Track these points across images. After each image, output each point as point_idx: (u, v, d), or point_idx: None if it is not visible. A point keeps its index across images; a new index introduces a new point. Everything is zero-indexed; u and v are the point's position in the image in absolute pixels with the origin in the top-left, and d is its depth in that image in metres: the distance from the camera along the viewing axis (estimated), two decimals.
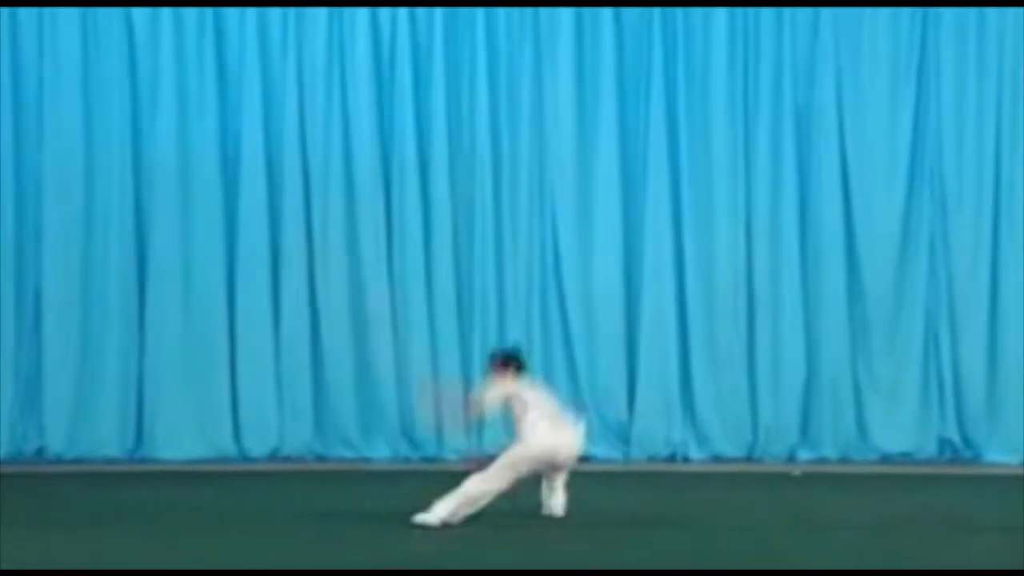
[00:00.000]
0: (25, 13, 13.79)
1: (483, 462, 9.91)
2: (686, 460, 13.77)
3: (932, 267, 13.86)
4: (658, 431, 13.79)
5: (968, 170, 13.85)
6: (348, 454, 13.76)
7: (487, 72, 13.90)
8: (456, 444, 13.11)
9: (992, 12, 13.82)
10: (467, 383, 11.78)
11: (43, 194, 13.77)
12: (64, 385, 13.70)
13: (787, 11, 13.90)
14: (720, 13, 13.89)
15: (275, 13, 13.89)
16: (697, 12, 13.89)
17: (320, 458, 13.73)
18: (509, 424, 10.27)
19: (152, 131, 13.84)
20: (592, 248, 13.93)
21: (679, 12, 13.88)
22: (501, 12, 13.91)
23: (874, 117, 13.87)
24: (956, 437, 13.76)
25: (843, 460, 13.73)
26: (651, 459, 13.75)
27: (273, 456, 13.74)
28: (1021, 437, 13.53)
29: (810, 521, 10.37)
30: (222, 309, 13.80)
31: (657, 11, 13.88)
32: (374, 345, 13.83)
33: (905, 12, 13.87)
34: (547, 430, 9.88)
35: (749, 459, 13.76)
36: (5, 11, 13.76)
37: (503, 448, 9.95)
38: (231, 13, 13.90)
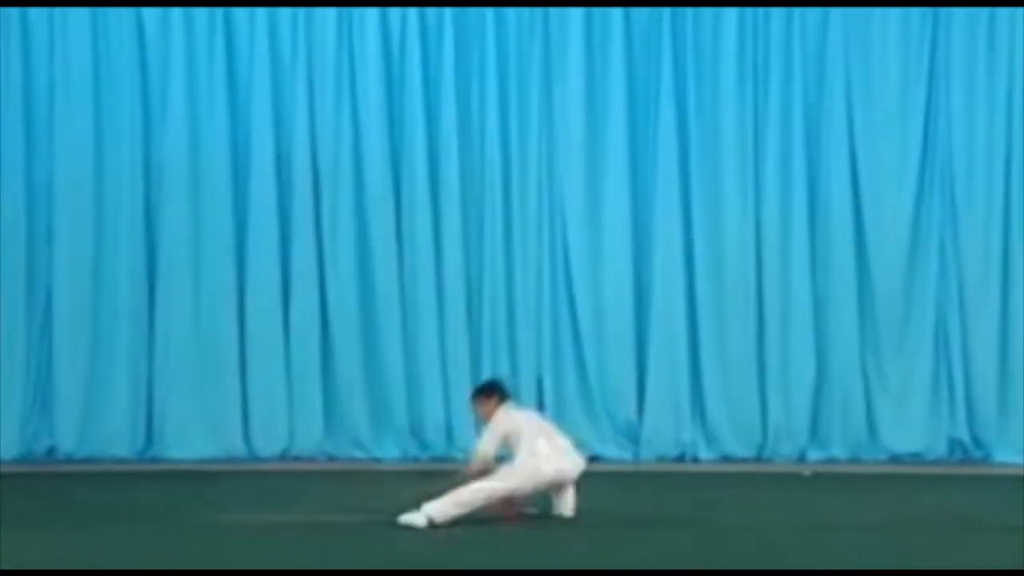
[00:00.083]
0: (35, 14, 13.83)
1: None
2: (696, 460, 13.76)
3: (942, 267, 13.83)
4: (668, 431, 13.78)
5: (978, 170, 13.82)
6: (358, 454, 13.77)
7: (497, 72, 13.90)
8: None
9: (1003, 12, 13.79)
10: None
11: (54, 195, 13.81)
12: (75, 385, 13.73)
13: (797, 11, 13.88)
14: (730, 13, 13.88)
15: (285, 13, 13.92)
16: (707, 12, 13.88)
17: (330, 458, 13.75)
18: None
19: (162, 132, 13.87)
20: (602, 248, 13.92)
21: (689, 12, 13.87)
22: (511, 12, 13.92)
23: (884, 117, 13.85)
24: (966, 437, 13.73)
25: (853, 460, 13.71)
26: (661, 459, 13.75)
27: (283, 456, 13.75)
28: None
29: (820, 521, 10.36)
30: (232, 309, 13.83)
31: (667, 11, 13.87)
32: (384, 346, 13.84)
33: (915, 12, 13.84)
34: (548, 455, 9.89)
35: (759, 459, 13.75)
36: (15, 11, 13.80)
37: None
38: (241, 13, 13.93)
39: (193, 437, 13.69)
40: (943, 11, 13.80)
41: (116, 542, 9.40)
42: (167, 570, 8.34)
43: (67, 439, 13.73)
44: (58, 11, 13.82)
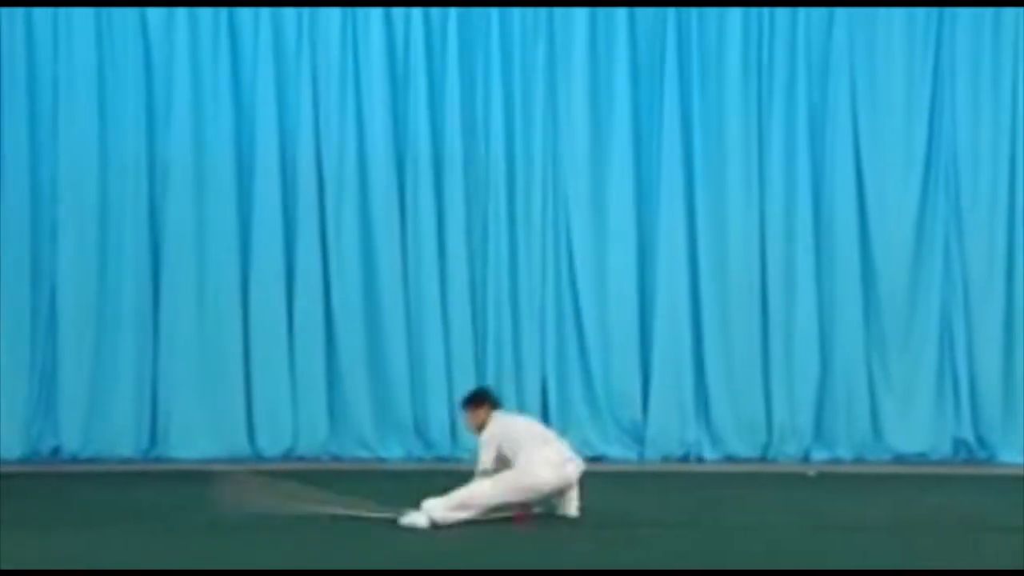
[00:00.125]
0: (40, 13, 13.84)
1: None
2: (700, 460, 13.75)
3: (947, 267, 13.82)
4: (672, 431, 13.78)
5: (983, 170, 13.81)
6: (363, 454, 13.77)
7: (501, 72, 13.90)
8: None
9: (1008, 12, 13.77)
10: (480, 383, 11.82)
11: (58, 194, 13.82)
12: (79, 385, 13.74)
13: (802, 11, 13.87)
14: (735, 13, 13.87)
15: (289, 13, 13.92)
16: (712, 12, 13.87)
17: (335, 458, 13.75)
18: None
19: (166, 131, 13.88)
20: (606, 248, 13.92)
21: (693, 12, 13.86)
22: (515, 12, 13.92)
23: (889, 117, 13.84)
24: (971, 437, 13.72)
25: (857, 460, 13.69)
26: (665, 459, 13.74)
27: (288, 456, 13.76)
28: None
29: (824, 521, 10.35)
30: (236, 309, 13.83)
31: (671, 11, 13.86)
32: (388, 346, 13.84)
33: (920, 12, 13.83)
34: (550, 464, 9.87)
35: (763, 459, 13.74)
36: (20, 11, 13.81)
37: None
38: (245, 13, 13.93)
39: (197, 437, 13.70)
40: (948, 11, 13.79)
41: (120, 542, 9.41)
42: (171, 570, 8.34)
43: (71, 439, 13.74)
44: (62, 10, 13.82)
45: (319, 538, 9.44)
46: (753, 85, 13.88)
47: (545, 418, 13.44)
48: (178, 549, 9.11)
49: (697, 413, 13.80)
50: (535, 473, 9.83)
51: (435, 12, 13.93)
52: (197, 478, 12.67)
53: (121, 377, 13.75)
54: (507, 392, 13.15)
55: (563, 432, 13.41)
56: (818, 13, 13.84)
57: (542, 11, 13.90)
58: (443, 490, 9.91)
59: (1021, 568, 8.30)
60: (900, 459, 13.69)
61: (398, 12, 13.94)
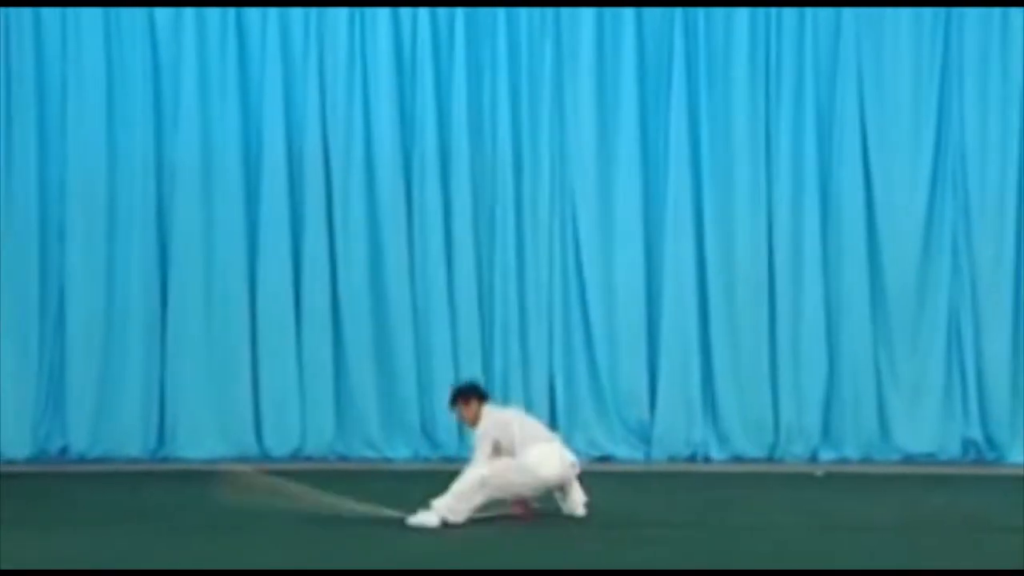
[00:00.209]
0: (48, 13, 13.86)
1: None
2: (707, 460, 13.74)
3: (955, 266, 13.79)
4: (679, 431, 13.76)
5: (991, 169, 13.78)
6: (370, 454, 13.77)
7: (508, 72, 13.89)
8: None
9: (1016, 12, 13.73)
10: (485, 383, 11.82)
11: (66, 194, 13.84)
12: (87, 385, 13.76)
13: (809, 11, 13.84)
14: (742, 13, 13.85)
15: (297, 13, 13.93)
16: (719, 12, 13.85)
17: (342, 458, 13.76)
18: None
19: (174, 131, 13.89)
20: (613, 247, 13.91)
21: (700, 12, 13.84)
22: (522, 12, 13.91)
23: (896, 117, 13.81)
24: (980, 437, 13.69)
25: (865, 460, 13.67)
26: (672, 459, 13.73)
27: (295, 456, 13.77)
28: None
29: (832, 522, 10.34)
30: (244, 308, 13.84)
31: (679, 11, 13.85)
32: (395, 346, 13.85)
33: (928, 12, 13.80)
34: (548, 462, 9.86)
35: (770, 459, 13.72)
36: (28, 11, 13.83)
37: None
38: (253, 13, 13.94)
39: (205, 437, 13.71)
40: (955, 10, 13.76)
41: (128, 541, 9.42)
42: (177, 570, 8.34)
43: (79, 439, 13.76)
44: (71, 11, 13.84)
45: (323, 538, 9.44)
46: (760, 84, 13.86)
47: (552, 417, 13.46)
48: (184, 549, 9.11)
49: (704, 413, 13.78)
50: (535, 471, 9.81)
51: (442, 12, 13.93)
52: (205, 478, 12.69)
53: (129, 377, 13.77)
54: (514, 392, 13.16)
55: (570, 431, 13.52)
56: (825, 13, 13.82)
57: (549, 11, 13.89)
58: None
59: None
60: (908, 459, 13.66)
61: (405, 12, 13.94)
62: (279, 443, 13.79)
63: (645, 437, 13.82)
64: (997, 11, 13.73)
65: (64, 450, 13.82)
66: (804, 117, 13.83)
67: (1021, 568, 8.32)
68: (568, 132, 13.95)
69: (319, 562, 8.62)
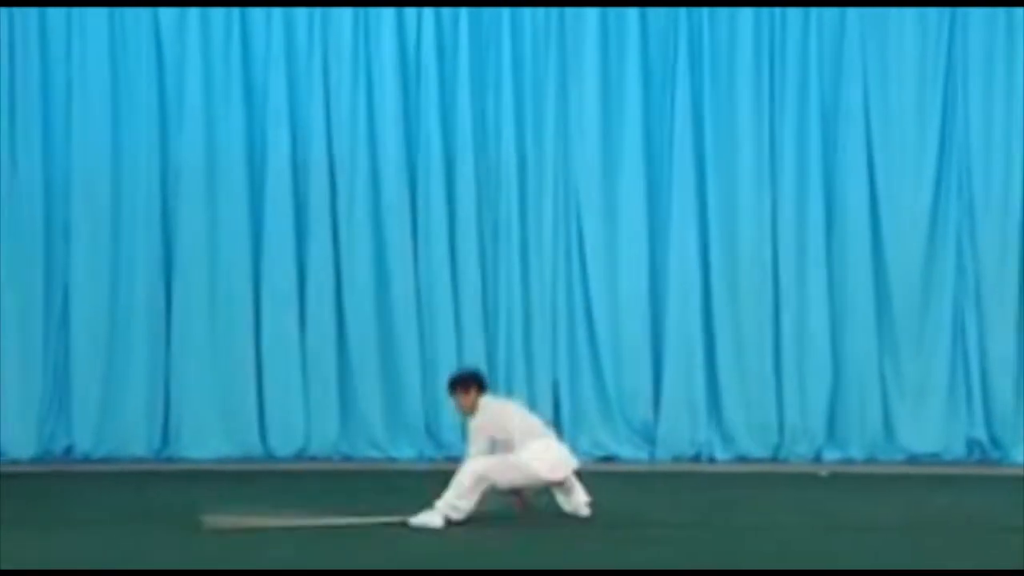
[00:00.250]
0: (53, 14, 13.87)
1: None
2: (712, 460, 13.74)
3: (959, 266, 13.79)
4: (683, 431, 13.76)
5: (996, 169, 13.77)
6: (374, 454, 13.78)
7: (512, 72, 13.89)
8: None
9: (1021, 12, 13.72)
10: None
11: (71, 194, 13.85)
12: (91, 384, 13.77)
13: (814, 11, 13.84)
14: (746, 13, 13.85)
15: (301, 14, 13.93)
16: (723, 12, 13.85)
17: (346, 458, 13.76)
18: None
19: (179, 132, 13.90)
20: (617, 248, 13.91)
21: (705, 12, 13.84)
22: (526, 12, 13.91)
23: (901, 116, 13.81)
24: (984, 437, 13.68)
25: (870, 461, 13.66)
26: (676, 459, 13.73)
27: (299, 456, 13.77)
28: None
29: (836, 522, 10.33)
30: (248, 309, 13.85)
31: (683, 11, 13.85)
32: (400, 346, 13.85)
33: (932, 12, 13.79)
34: (544, 458, 9.84)
35: (775, 459, 13.72)
36: (33, 12, 13.84)
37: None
38: (257, 14, 13.95)
39: (210, 436, 13.72)
40: (960, 10, 13.76)
41: (132, 541, 9.42)
42: (181, 570, 8.34)
43: (84, 438, 13.77)
44: (75, 11, 13.85)
45: (326, 538, 9.44)
46: (765, 85, 13.86)
47: (556, 418, 13.46)
48: (188, 549, 9.11)
49: (709, 413, 13.78)
50: (528, 466, 9.77)
51: (446, 12, 13.93)
52: (209, 478, 12.72)
53: (133, 377, 13.78)
54: (518, 393, 13.12)
55: (574, 432, 13.52)
56: (830, 13, 13.82)
57: (553, 11, 13.89)
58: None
59: None
60: (913, 459, 13.65)
61: (410, 12, 13.94)
62: (283, 443, 13.79)
63: (649, 437, 13.82)
64: (1002, 11, 13.72)
65: (68, 450, 13.83)
66: (808, 117, 13.82)
67: None
68: (572, 134, 13.95)
69: (321, 562, 8.62)
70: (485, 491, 9.80)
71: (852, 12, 13.78)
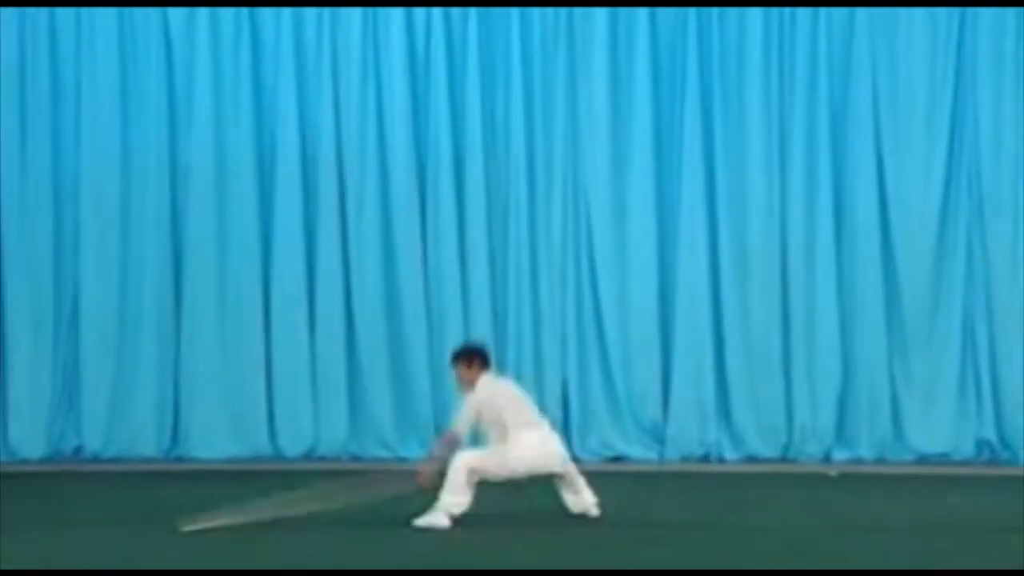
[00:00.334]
0: (62, 14, 13.89)
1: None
2: (721, 460, 13.73)
3: (969, 266, 13.77)
4: (693, 431, 13.76)
5: (1006, 168, 13.75)
6: (383, 454, 13.78)
7: (522, 72, 13.90)
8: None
9: None
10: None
11: (80, 195, 13.88)
12: (101, 384, 13.80)
13: (823, 11, 13.83)
14: (755, 13, 13.84)
15: (310, 13, 13.94)
16: (732, 12, 13.84)
17: (355, 458, 13.76)
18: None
19: (188, 133, 13.92)
20: (627, 247, 13.91)
21: (714, 12, 13.84)
22: (535, 12, 13.91)
23: (910, 116, 13.79)
24: (994, 438, 13.66)
25: (879, 461, 13.65)
26: (685, 459, 13.72)
27: (308, 456, 13.78)
28: None
29: (846, 522, 10.32)
30: (257, 309, 13.87)
31: (692, 11, 13.84)
32: (409, 346, 13.86)
33: (942, 12, 13.77)
34: (533, 448, 9.79)
35: (784, 460, 13.71)
36: (43, 12, 13.87)
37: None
38: (266, 13, 13.96)
39: (219, 436, 13.75)
40: (970, 10, 13.73)
41: (140, 541, 9.42)
42: (186, 570, 8.35)
43: (94, 438, 13.80)
44: (85, 11, 13.88)
45: (330, 539, 9.44)
46: (774, 85, 13.85)
47: (566, 418, 13.48)
48: (194, 549, 9.11)
49: (718, 413, 13.77)
50: (519, 456, 9.71)
51: (455, 12, 13.93)
52: (218, 478, 12.73)
53: (143, 377, 13.80)
54: (527, 391, 13.14)
55: (583, 432, 13.52)
56: (839, 13, 13.80)
57: (562, 11, 13.89)
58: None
59: None
60: (922, 460, 13.64)
61: (419, 12, 13.95)
62: (292, 443, 13.81)
63: (659, 437, 13.81)
64: (1012, 11, 13.70)
65: (78, 450, 13.86)
66: (818, 117, 13.81)
67: None
68: (582, 134, 13.95)
69: (325, 562, 8.62)
70: (477, 484, 9.78)
71: (861, 12, 13.76)
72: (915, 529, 9.96)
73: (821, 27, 13.83)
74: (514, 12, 13.88)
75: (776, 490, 12.15)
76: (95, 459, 13.71)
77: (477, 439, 10.29)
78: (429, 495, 9.78)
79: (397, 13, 13.92)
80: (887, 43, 13.79)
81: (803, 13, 13.85)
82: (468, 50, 13.89)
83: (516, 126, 13.89)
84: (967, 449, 13.68)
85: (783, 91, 13.86)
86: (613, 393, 13.83)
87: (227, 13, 13.94)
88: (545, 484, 10.03)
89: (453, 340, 13.73)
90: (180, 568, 8.37)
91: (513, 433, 9.78)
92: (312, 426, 13.83)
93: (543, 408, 10.83)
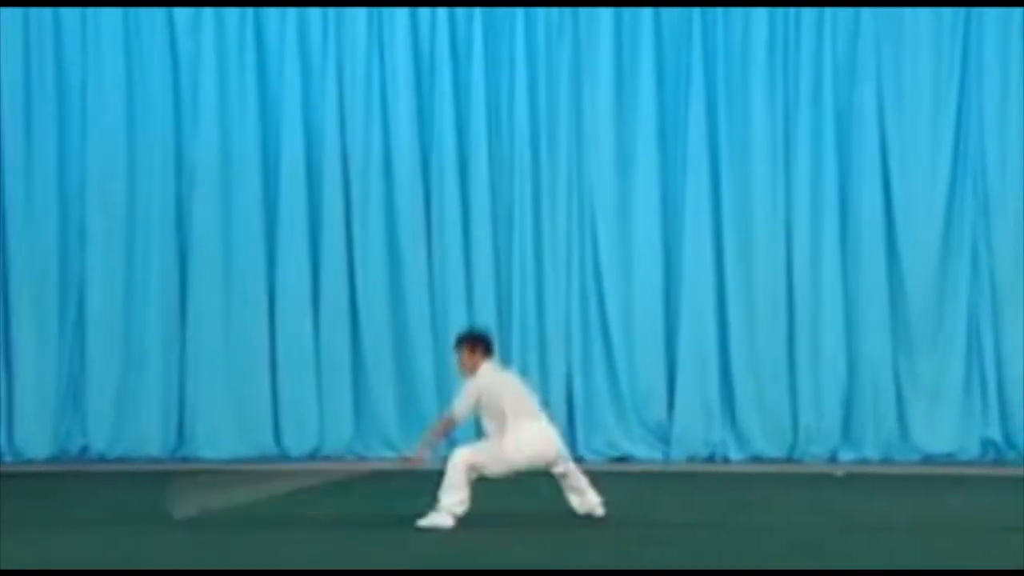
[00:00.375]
0: (67, 14, 13.91)
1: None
2: (726, 461, 13.74)
3: (974, 266, 13.77)
4: (698, 431, 13.76)
5: (1011, 169, 13.75)
6: (388, 453, 13.78)
7: (526, 72, 13.90)
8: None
9: None
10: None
11: (86, 195, 13.91)
12: (107, 384, 13.82)
13: (828, 11, 13.83)
14: (760, 13, 13.83)
15: (315, 13, 13.96)
16: (737, 12, 13.84)
17: (360, 457, 13.77)
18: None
19: (193, 132, 13.94)
20: (632, 248, 13.91)
21: (719, 12, 13.83)
22: (540, 12, 13.91)
23: (916, 117, 13.79)
24: (999, 438, 13.66)
25: (885, 461, 13.65)
26: (691, 459, 13.72)
27: (313, 455, 13.79)
28: None
29: (851, 522, 10.31)
30: (263, 309, 13.89)
31: (697, 11, 13.84)
32: (414, 346, 13.87)
33: (947, 12, 13.76)
34: (531, 441, 9.77)
35: (789, 460, 13.71)
36: (48, 12, 13.89)
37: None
38: (271, 13, 13.98)
39: (224, 436, 13.76)
40: (975, 10, 13.72)
41: (145, 541, 9.43)
42: (191, 570, 8.35)
43: (99, 439, 13.81)
44: (90, 11, 13.91)
45: (334, 539, 9.45)
46: (779, 86, 13.84)
47: (570, 417, 13.49)
48: (200, 549, 9.12)
49: (723, 413, 13.77)
50: (515, 450, 9.68)
51: (460, 12, 13.94)
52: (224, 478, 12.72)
53: (148, 377, 13.82)
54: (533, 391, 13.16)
55: (588, 432, 13.52)
56: (844, 13, 13.80)
57: (567, 12, 13.90)
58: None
59: None
60: (928, 460, 13.63)
61: (423, 12, 13.95)
62: (297, 443, 13.82)
63: (664, 437, 13.81)
64: (1017, 11, 13.70)
65: (84, 450, 13.88)
66: (823, 117, 13.80)
67: None
68: (586, 133, 13.95)
69: (326, 562, 8.62)
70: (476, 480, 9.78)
71: (866, 12, 13.75)
72: (920, 529, 9.95)
73: (826, 27, 13.82)
74: (519, 12, 13.89)
75: (781, 490, 12.15)
76: (101, 459, 13.74)
77: (478, 437, 10.27)
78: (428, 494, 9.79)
79: (402, 12, 13.93)
80: (892, 43, 13.78)
81: (808, 13, 13.84)
82: (473, 49, 13.90)
83: (520, 125, 13.90)
84: (972, 449, 13.68)
85: (788, 91, 13.86)
86: (618, 393, 13.83)
87: (232, 13, 13.95)
88: (549, 484, 10.03)
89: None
90: (182, 568, 8.37)
91: (512, 423, 9.74)
92: (317, 426, 13.84)
93: (548, 407, 10.82)
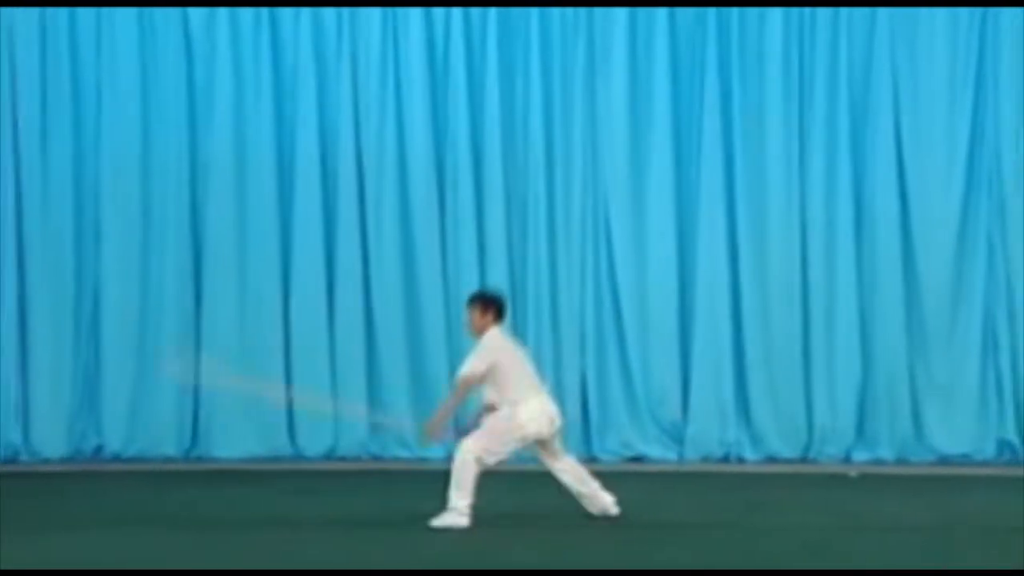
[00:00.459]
0: (83, 13, 13.94)
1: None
2: (740, 461, 13.72)
3: (990, 266, 13.73)
4: (712, 431, 13.74)
5: None
6: (403, 454, 13.79)
7: (541, 71, 13.90)
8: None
9: None
10: None
11: (101, 193, 13.94)
12: (122, 384, 13.85)
13: (843, 11, 13.80)
14: (775, 13, 13.81)
15: (330, 13, 13.97)
16: (752, 12, 13.82)
17: (375, 458, 13.78)
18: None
19: (208, 131, 13.97)
20: (646, 247, 13.91)
21: (734, 12, 13.82)
22: (555, 11, 13.91)
23: (931, 117, 13.76)
24: (1015, 438, 13.62)
25: (900, 461, 13.63)
26: (705, 459, 13.71)
27: (328, 456, 13.80)
28: None
29: (866, 523, 10.29)
30: (277, 307, 13.90)
31: (712, 11, 13.83)
32: (428, 345, 13.87)
33: (963, 12, 13.73)
34: (534, 418, 9.71)
35: (804, 460, 13.69)
36: (63, 11, 13.93)
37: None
38: (286, 13, 13.99)
39: (239, 436, 13.77)
40: (991, 10, 13.69)
41: (158, 541, 9.44)
42: (202, 570, 8.36)
43: (114, 438, 13.84)
44: (105, 11, 13.94)
45: (343, 539, 9.45)
46: (794, 85, 13.83)
47: (584, 417, 13.50)
48: (212, 548, 9.13)
49: (738, 413, 13.75)
50: (519, 427, 9.65)
51: (475, 11, 13.94)
52: (239, 477, 12.75)
53: (163, 377, 13.81)
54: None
55: (602, 431, 13.51)
56: (859, 13, 13.77)
57: (582, 11, 13.90)
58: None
59: None
60: (943, 460, 13.60)
61: (438, 11, 13.96)
62: (312, 443, 13.83)
63: (678, 437, 13.80)
64: None
65: (99, 449, 13.90)
66: (838, 117, 13.78)
67: None
68: (601, 132, 13.95)
69: (328, 562, 8.61)
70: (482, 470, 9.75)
71: (882, 12, 13.72)
72: (935, 530, 9.92)
73: (842, 27, 13.80)
74: (533, 12, 13.89)
75: (796, 491, 12.13)
76: (116, 459, 13.76)
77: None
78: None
79: (416, 12, 13.94)
80: (908, 43, 13.75)
81: (823, 13, 13.81)
82: (487, 50, 13.90)
83: (535, 125, 13.90)
84: (988, 449, 13.65)
85: (803, 91, 13.84)
86: (632, 393, 13.82)
87: (247, 13, 13.98)
88: (557, 483, 10.00)
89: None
90: (185, 568, 8.38)
91: (516, 396, 9.67)
92: (332, 426, 13.84)
93: (562, 408, 10.81)
